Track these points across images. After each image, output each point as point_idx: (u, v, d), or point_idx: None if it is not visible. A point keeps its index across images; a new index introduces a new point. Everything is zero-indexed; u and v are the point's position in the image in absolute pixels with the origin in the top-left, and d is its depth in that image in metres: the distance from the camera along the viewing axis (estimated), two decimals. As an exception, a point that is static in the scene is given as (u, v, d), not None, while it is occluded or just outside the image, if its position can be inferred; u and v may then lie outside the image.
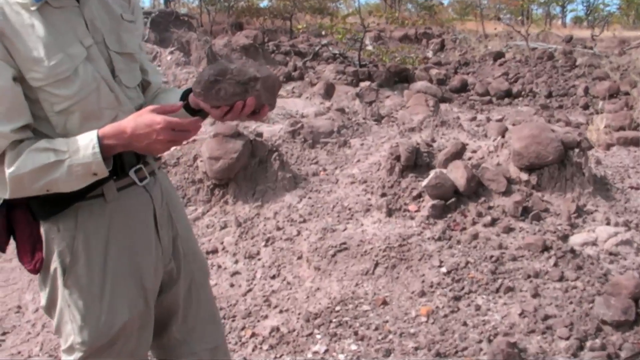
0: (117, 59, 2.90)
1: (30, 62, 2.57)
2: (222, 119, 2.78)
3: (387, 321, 5.68)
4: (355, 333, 5.54)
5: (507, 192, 7.47)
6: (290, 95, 14.99)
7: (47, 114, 2.67)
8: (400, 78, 17.03)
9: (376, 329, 5.58)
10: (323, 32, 24.58)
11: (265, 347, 5.58)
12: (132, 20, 3.07)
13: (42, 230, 2.79)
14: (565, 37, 25.47)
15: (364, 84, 15.82)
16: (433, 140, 9.07)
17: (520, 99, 15.81)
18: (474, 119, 12.99)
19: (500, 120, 13.03)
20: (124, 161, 2.92)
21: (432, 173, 7.52)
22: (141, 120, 2.57)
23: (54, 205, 2.74)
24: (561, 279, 6.07)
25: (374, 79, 16.50)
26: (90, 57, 2.74)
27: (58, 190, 2.63)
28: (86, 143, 2.56)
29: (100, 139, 2.57)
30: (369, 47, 21.84)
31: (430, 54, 23.93)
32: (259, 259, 7.08)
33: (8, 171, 2.54)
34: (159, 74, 3.45)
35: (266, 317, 6.03)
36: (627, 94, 14.43)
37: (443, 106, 13.71)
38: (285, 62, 19.95)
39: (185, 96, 3.02)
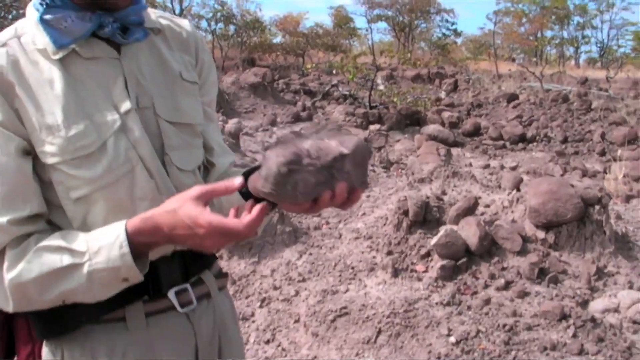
0: (169, 131, 2.17)
1: (43, 130, 1.93)
2: (305, 212, 1.97)
3: (390, 397, 5.21)
4: None
5: (522, 252, 7.08)
6: (297, 137, 14.66)
7: (61, 201, 2.00)
8: (411, 121, 16.74)
9: None
10: (334, 71, 24.23)
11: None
12: (194, 82, 2.33)
13: (44, 351, 2.11)
14: (579, 79, 25.19)
15: (374, 127, 15.49)
16: (444, 193, 8.73)
17: (535, 143, 15.44)
18: (487, 166, 12.60)
19: (514, 168, 12.64)
20: (161, 276, 2.18)
21: (442, 230, 7.12)
22: (180, 217, 1.84)
23: (55, 322, 2.06)
24: (581, 352, 5.65)
25: (384, 121, 16.18)
26: (125, 127, 2.03)
27: (78, 301, 1.97)
28: (111, 241, 1.88)
29: (129, 236, 1.89)
30: (381, 87, 21.62)
31: (443, 94, 23.64)
32: (253, 321, 6.68)
33: (8, 277, 1.90)
34: (230, 153, 2.58)
35: None
36: (645, 140, 14.09)
37: (455, 151, 13.43)
38: (295, 102, 19.63)
39: (247, 177, 2.17)
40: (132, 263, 1.88)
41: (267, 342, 6.27)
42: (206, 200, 1.86)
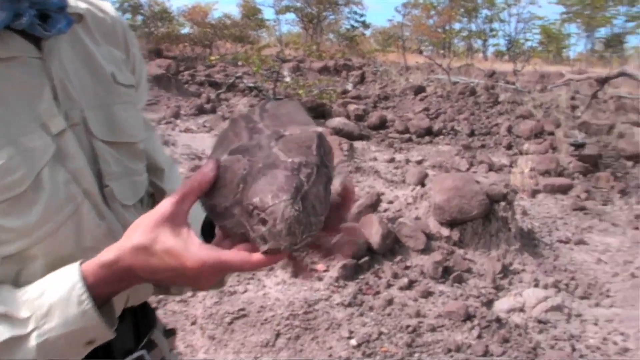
0: (107, 154, 1.62)
1: None
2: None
3: (291, 404, 5.02)
4: None
5: (426, 250, 6.93)
6: (200, 129, 14.42)
7: None
8: (316, 113, 16.48)
9: None
10: (239, 63, 23.92)
11: None
12: (130, 85, 1.78)
13: None
14: (487, 72, 25.29)
15: (278, 121, 15.22)
16: (347, 188, 8.45)
17: (442, 137, 15.35)
18: (392, 160, 12.44)
19: (420, 162, 12.51)
20: (112, 345, 1.62)
21: (343, 228, 6.85)
22: (159, 256, 1.32)
23: None
24: (485, 353, 5.57)
25: (289, 114, 15.90)
26: (61, 153, 1.48)
27: None
28: (64, 295, 1.34)
29: (89, 286, 1.35)
30: (287, 79, 21.37)
31: (349, 86, 23.47)
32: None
33: None
34: (178, 177, 2.05)
35: None
36: (551, 134, 14.09)
37: (360, 145, 13.24)
38: (199, 94, 19.26)
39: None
40: (100, 320, 1.35)
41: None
42: (184, 218, 1.33)
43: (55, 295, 1.34)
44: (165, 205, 1.30)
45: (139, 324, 1.79)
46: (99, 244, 1.45)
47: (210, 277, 1.32)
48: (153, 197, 1.86)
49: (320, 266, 6.79)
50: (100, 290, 1.36)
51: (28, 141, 1.41)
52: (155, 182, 1.86)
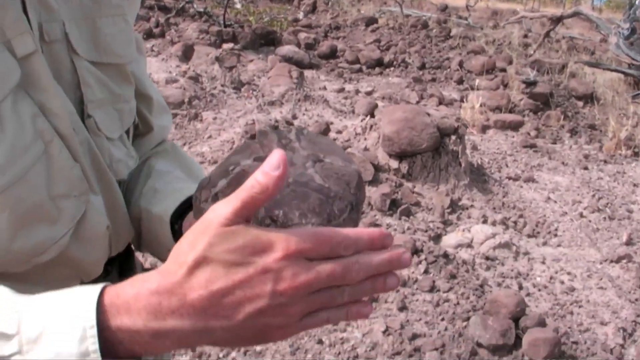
0: (91, 77, 1.40)
1: None
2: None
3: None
4: (193, 348, 4.73)
5: (374, 182, 6.81)
6: (148, 53, 14.12)
7: None
8: (266, 41, 16.23)
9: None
10: (190, -13, 23.57)
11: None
12: None
13: None
14: (440, 6, 25.11)
15: (227, 46, 14.97)
16: (294, 117, 8.37)
17: (392, 69, 15.12)
18: (341, 90, 12.24)
19: (369, 93, 12.33)
20: None
21: (290, 157, 6.69)
22: (220, 257, 0.94)
23: None
24: (432, 289, 5.48)
25: (238, 40, 15.62)
26: (28, 79, 1.22)
27: None
28: (65, 324, 0.94)
29: (101, 320, 0.95)
30: (238, 5, 21.09)
31: (301, 15, 23.19)
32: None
33: None
34: (167, 110, 1.83)
35: None
36: (503, 70, 13.98)
37: (310, 74, 13.02)
38: (148, 17, 18.87)
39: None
40: None
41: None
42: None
43: (55, 321, 0.95)
44: (227, 205, 0.95)
45: (124, 269, 1.63)
46: (72, 191, 1.28)
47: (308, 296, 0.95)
48: (138, 128, 1.67)
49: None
50: (121, 334, 0.96)
51: None
52: (143, 111, 1.68)
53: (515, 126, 10.71)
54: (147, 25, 16.63)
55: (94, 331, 0.92)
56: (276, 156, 0.93)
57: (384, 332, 4.91)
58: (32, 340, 0.93)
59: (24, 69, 1.20)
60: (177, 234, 1.50)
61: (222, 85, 10.76)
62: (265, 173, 0.93)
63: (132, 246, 1.68)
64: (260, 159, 1.11)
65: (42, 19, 1.27)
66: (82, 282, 1.36)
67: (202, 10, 18.96)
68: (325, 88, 11.82)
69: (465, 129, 7.53)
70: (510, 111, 11.42)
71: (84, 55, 1.37)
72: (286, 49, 14.54)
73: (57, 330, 0.93)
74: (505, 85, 12.70)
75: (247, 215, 0.95)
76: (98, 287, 0.97)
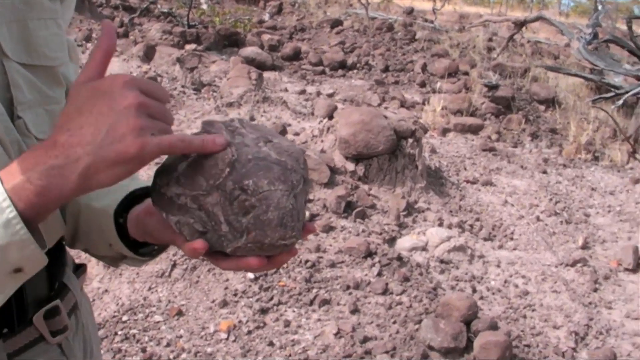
0: (20, 79, 1.39)
1: None
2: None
3: (180, 336, 4.96)
4: (143, 350, 4.78)
5: (329, 184, 6.79)
6: (110, 54, 14.07)
7: None
8: (230, 42, 16.23)
9: (168, 345, 4.87)
10: (155, -13, 23.51)
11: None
12: None
13: None
14: (406, 9, 25.17)
15: (190, 47, 14.95)
16: (252, 118, 8.38)
17: (355, 71, 15.16)
18: (303, 91, 12.25)
19: (331, 96, 12.33)
20: (25, 293, 1.44)
21: (244, 158, 6.66)
22: (76, 103, 1.14)
23: None
24: (385, 291, 5.50)
25: (202, 41, 15.60)
26: None
27: None
28: None
29: (8, 190, 1.11)
30: (203, 6, 21.06)
31: (266, 16, 23.18)
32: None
33: None
34: None
35: None
36: (466, 74, 14.03)
37: (272, 75, 13.05)
38: (112, 17, 18.80)
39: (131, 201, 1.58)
40: (27, 233, 1.12)
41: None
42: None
43: None
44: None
45: (52, 265, 1.51)
46: None
47: (130, 100, 1.11)
48: None
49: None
50: (27, 192, 1.12)
51: None
52: None
53: (475, 129, 10.74)
54: (111, 25, 16.56)
55: (7, 202, 1.09)
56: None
57: (335, 335, 4.92)
58: None
59: None
60: (121, 228, 1.54)
61: (183, 86, 10.74)
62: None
63: (64, 242, 1.65)
64: None
65: None
66: None
67: (166, 10, 18.93)
68: (286, 90, 11.83)
69: (422, 132, 7.53)
70: (472, 114, 11.45)
71: (13, 57, 1.36)
72: (249, 50, 14.53)
73: None
74: (468, 89, 12.73)
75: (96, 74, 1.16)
76: None
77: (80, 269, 1.75)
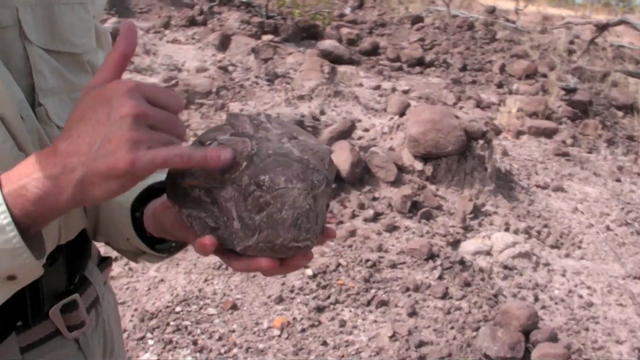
0: (43, 65, 1.36)
1: None
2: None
3: (233, 331, 4.91)
4: (194, 342, 4.74)
5: (396, 183, 6.73)
6: (188, 41, 14.13)
7: None
8: (308, 34, 16.19)
9: (219, 338, 4.81)
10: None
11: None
12: None
13: None
14: (488, 8, 24.94)
15: (267, 37, 14.96)
16: (322, 112, 8.28)
17: (433, 68, 15.02)
18: (378, 87, 12.16)
19: (406, 92, 12.22)
20: (41, 286, 1.41)
21: (312, 153, 6.62)
22: (81, 109, 1.10)
23: None
24: (445, 296, 5.41)
25: (279, 32, 15.61)
26: None
27: None
28: None
29: (5, 196, 1.09)
30: (285, -3, 21.15)
31: (348, 10, 23.15)
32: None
33: None
34: None
35: None
36: (544, 76, 13.82)
37: (349, 69, 12.95)
38: (192, 5, 18.90)
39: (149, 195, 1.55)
40: (20, 241, 1.08)
41: (115, 259, 5.70)
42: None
43: None
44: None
45: (73, 259, 1.53)
46: None
47: (127, 110, 1.05)
48: None
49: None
50: (23, 202, 1.09)
51: None
52: None
53: (549, 133, 10.54)
54: (191, 12, 16.67)
55: (3, 207, 1.06)
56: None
57: (390, 337, 4.84)
58: None
59: None
60: (138, 221, 1.51)
61: (256, 77, 10.74)
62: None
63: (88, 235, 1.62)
64: (237, 134, 1.19)
65: None
66: None
67: (245, 0, 18.98)
68: (361, 85, 11.76)
69: (494, 133, 7.39)
70: (547, 118, 11.24)
71: (37, 43, 1.34)
72: (327, 44, 14.48)
73: None
74: (545, 91, 12.53)
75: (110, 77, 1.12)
76: None
77: (105, 262, 1.72)
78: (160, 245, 1.54)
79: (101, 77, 1.11)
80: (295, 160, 1.16)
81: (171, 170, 1.23)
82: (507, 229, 6.61)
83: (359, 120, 8.58)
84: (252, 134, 1.18)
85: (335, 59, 13.17)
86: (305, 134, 1.28)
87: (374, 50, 15.68)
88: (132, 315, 5.00)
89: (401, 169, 6.87)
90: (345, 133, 7.18)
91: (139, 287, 5.37)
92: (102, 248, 1.75)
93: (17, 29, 1.30)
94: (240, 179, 1.12)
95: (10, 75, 1.25)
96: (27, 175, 1.07)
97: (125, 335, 4.76)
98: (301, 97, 9.63)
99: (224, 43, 13.23)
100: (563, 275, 6.22)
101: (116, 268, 5.56)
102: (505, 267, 6.03)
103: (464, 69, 14.98)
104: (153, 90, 1.10)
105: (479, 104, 11.77)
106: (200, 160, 1.10)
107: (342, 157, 6.60)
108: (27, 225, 1.09)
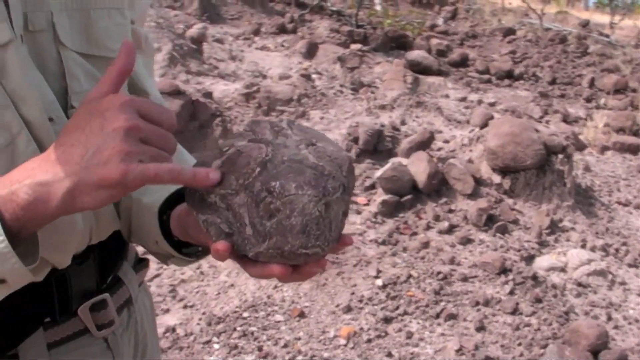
0: (77, 68, 1.40)
1: None
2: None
3: (299, 338, 4.93)
4: (259, 348, 4.77)
5: (473, 195, 6.70)
6: (277, 48, 14.22)
7: None
8: (398, 44, 16.18)
9: (285, 345, 4.84)
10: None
11: (155, 349, 4.68)
12: None
13: None
14: (582, 21, 24.63)
15: (355, 46, 14.97)
16: (403, 123, 8.26)
17: (522, 81, 14.89)
18: (464, 99, 12.09)
19: (492, 105, 12.13)
20: (69, 284, 1.46)
21: (389, 163, 6.61)
22: (76, 120, 1.13)
23: None
24: (514, 311, 5.34)
25: (368, 42, 15.62)
26: (4, 69, 1.21)
27: None
28: None
29: None
30: (377, 7, 21.15)
31: (440, 21, 23.08)
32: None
33: None
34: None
35: (167, 311, 5.22)
36: (634, 91, 13.59)
37: (436, 80, 12.91)
38: (283, 13, 19.02)
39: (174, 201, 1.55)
40: (7, 246, 1.09)
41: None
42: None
43: None
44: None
45: (106, 259, 1.57)
46: None
47: (119, 123, 1.08)
48: None
49: (362, 199, 6.59)
50: (15, 201, 1.11)
51: None
52: None
53: (635, 149, 10.31)
54: (281, 20, 16.78)
55: None
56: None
57: (457, 351, 4.80)
58: None
59: None
60: (165, 225, 1.51)
61: (341, 86, 10.75)
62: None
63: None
64: (255, 141, 1.20)
65: (28, 8, 1.28)
66: (54, 270, 1.37)
67: (336, 9, 19.05)
68: (447, 96, 11.69)
69: (574, 148, 7.30)
70: (635, 134, 11.01)
71: (71, 47, 1.37)
72: (415, 54, 14.44)
73: None
74: (635, 107, 12.32)
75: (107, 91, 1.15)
76: None
77: (141, 263, 1.76)
78: (187, 249, 1.55)
79: (98, 91, 1.15)
80: (309, 166, 1.16)
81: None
82: (583, 246, 6.51)
83: (440, 132, 8.55)
84: (269, 140, 1.20)
85: (423, 70, 13.15)
86: (327, 140, 1.29)
87: (463, 62, 15.61)
88: (200, 319, 5.05)
89: (479, 182, 6.83)
90: (424, 144, 7.16)
91: (209, 291, 5.43)
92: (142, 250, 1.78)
93: (52, 33, 1.33)
94: (253, 185, 1.14)
95: (41, 78, 1.29)
96: (19, 182, 1.09)
97: (191, 338, 4.82)
98: (383, 107, 9.62)
99: (310, 51, 13.29)
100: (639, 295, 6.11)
101: (187, 272, 5.62)
102: (579, 285, 5.91)
103: (553, 82, 14.82)
104: (146, 105, 1.13)
105: (566, 118, 11.62)
106: (189, 178, 1.14)
107: (419, 168, 6.59)
108: (17, 230, 1.11)
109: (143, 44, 1.67)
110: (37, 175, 1.09)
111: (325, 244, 1.18)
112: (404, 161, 6.77)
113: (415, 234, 6.17)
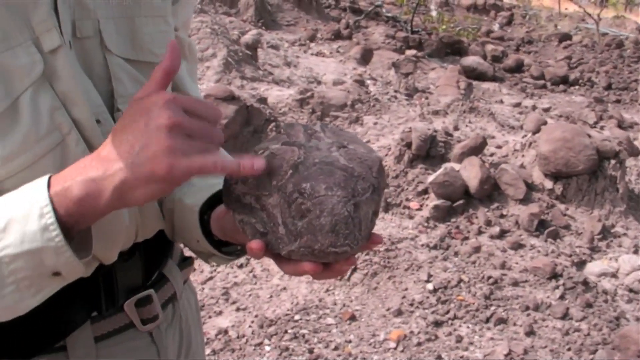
0: (123, 73, 1.47)
1: None
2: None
3: (350, 341, 4.98)
4: (310, 351, 4.82)
5: (525, 200, 6.69)
6: (332, 54, 14.27)
7: None
8: (453, 50, 16.17)
9: (335, 348, 4.88)
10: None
11: (207, 350, 4.81)
12: None
13: None
14: (639, 26, 24.34)
15: (410, 52, 14.95)
16: (456, 128, 8.27)
17: (577, 87, 14.79)
18: (518, 104, 12.06)
19: (547, 110, 12.09)
20: (116, 280, 1.55)
21: (442, 168, 6.64)
22: (124, 119, 1.19)
23: None
24: (564, 316, 5.32)
25: (423, 48, 15.63)
26: (52, 73, 1.29)
27: None
28: (25, 210, 1.16)
29: (52, 197, 1.16)
30: (433, 13, 21.11)
31: (496, 27, 22.98)
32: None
33: None
34: None
35: (220, 313, 5.31)
36: (693, 96, 13.45)
37: (491, 86, 12.90)
38: (339, 19, 19.05)
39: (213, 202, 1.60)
40: (62, 240, 1.15)
41: (240, 266, 5.93)
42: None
43: (20, 208, 1.17)
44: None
45: (151, 256, 1.66)
46: None
47: (163, 120, 1.12)
48: None
49: (414, 204, 6.62)
50: (69, 198, 1.16)
51: (10, 58, 1.23)
52: None
53: (690, 156, 10.24)
54: (337, 26, 16.80)
55: (49, 208, 1.14)
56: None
57: (506, 355, 4.81)
58: (1, 229, 1.15)
59: (50, 63, 1.28)
60: (206, 224, 1.57)
61: (395, 91, 10.77)
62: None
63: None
64: (289, 144, 1.25)
65: (76, 16, 1.36)
66: (101, 266, 1.46)
67: (391, 15, 19.04)
68: (502, 102, 11.66)
69: (626, 153, 7.25)
70: (691, 140, 10.93)
71: (116, 52, 1.45)
72: (470, 60, 14.44)
73: (19, 216, 1.15)
74: (692, 112, 12.22)
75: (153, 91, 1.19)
76: (45, 177, 1.19)
77: (186, 261, 1.82)
78: (226, 248, 1.61)
79: (145, 91, 1.19)
80: (339, 168, 1.20)
81: (226, 177, 1.31)
82: (636, 252, 6.47)
83: (493, 137, 8.55)
84: (302, 143, 1.25)
85: (478, 76, 13.16)
86: (359, 142, 1.33)
87: (518, 68, 15.56)
88: (252, 322, 5.12)
89: (530, 187, 6.83)
90: (477, 149, 7.16)
91: (262, 294, 5.50)
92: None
93: (98, 39, 1.41)
94: (286, 186, 1.18)
95: (90, 82, 1.39)
96: (72, 178, 1.16)
97: (243, 340, 4.88)
98: (436, 113, 9.64)
99: (365, 57, 13.33)
100: (693, 301, 6.10)
101: (240, 275, 5.69)
102: (631, 291, 5.88)
103: (608, 87, 14.70)
104: (190, 101, 1.18)
105: (621, 124, 11.53)
106: (235, 167, 1.17)
107: (471, 173, 6.61)
108: (71, 225, 1.17)
109: (186, 51, 1.76)
110: (88, 172, 1.15)
111: (355, 243, 1.21)
112: (457, 166, 6.79)
113: (466, 238, 6.20)
